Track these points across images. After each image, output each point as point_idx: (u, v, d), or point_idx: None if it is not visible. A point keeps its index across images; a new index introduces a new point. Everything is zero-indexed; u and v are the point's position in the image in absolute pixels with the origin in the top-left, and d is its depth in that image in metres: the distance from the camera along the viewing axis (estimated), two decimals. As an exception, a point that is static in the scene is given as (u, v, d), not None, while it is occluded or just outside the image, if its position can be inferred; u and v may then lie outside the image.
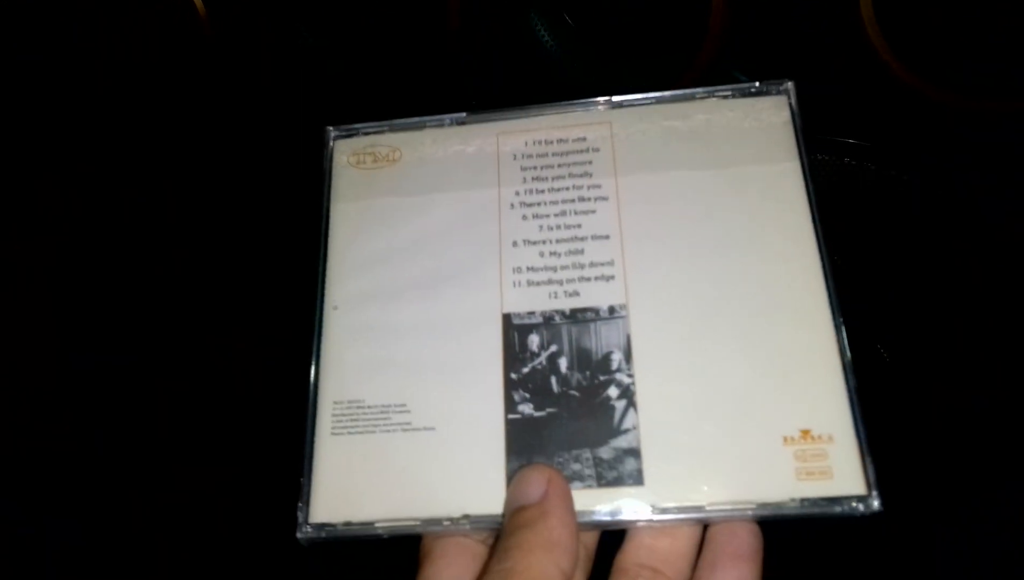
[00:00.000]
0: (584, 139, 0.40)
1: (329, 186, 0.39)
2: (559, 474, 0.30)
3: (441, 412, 0.33)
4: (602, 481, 0.32)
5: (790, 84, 0.39)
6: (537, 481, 0.29)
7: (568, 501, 0.29)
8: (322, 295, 0.38)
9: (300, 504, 0.34)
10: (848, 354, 0.34)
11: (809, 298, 0.35)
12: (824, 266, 0.35)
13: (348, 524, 0.34)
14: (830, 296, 0.35)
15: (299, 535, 0.34)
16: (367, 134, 0.41)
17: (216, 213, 0.79)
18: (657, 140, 0.39)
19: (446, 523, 0.33)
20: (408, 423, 0.35)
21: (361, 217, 0.38)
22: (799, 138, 0.38)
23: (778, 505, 0.30)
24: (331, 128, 0.41)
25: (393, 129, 0.41)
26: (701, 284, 0.35)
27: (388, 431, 0.34)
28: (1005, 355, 0.62)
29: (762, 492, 0.30)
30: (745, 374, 0.33)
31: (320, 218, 0.38)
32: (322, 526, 0.33)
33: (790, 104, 0.39)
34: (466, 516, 0.33)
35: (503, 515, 0.31)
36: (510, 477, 0.31)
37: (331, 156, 0.41)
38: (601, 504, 0.31)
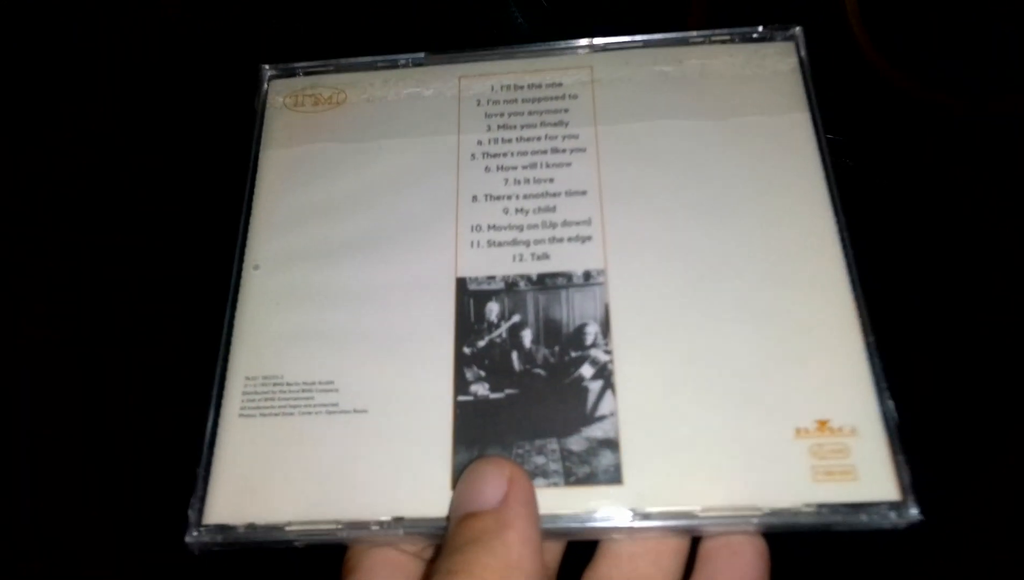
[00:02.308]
0: (560, 84, 0.34)
1: (260, 130, 0.33)
2: (522, 471, 0.24)
3: (376, 392, 0.27)
4: (571, 478, 0.26)
5: (798, 29, 0.34)
6: (494, 479, 0.23)
7: (532, 508, 0.23)
8: (242, 252, 0.32)
9: (193, 500, 0.27)
10: (871, 332, 0.28)
11: (823, 266, 0.29)
12: (841, 230, 0.30)
13: (252, 527, 0.27)
14: (848, 264, 0.29)
15: (188, 539, 0.27)
16: (309, 74, 0.35)
17: (133, 164, 0.70)
18: (645, 87, 0.34)
19: (374, 527, 0.26)
20: (335, 404, 0.28)
21: (295, 165, 0.32)
22: (809, 87, 0.32)
23: (790, 512, 0.25)
24: (266, 66, 0.36)
25: (339, 69, 0.35)
26: (694, 248, 0.29)
27: (309, 413, 0.27)
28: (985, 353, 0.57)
29: (770, 496, 0.25)
30: (748, 352, 0.27)
31: (247, 166, 0.32)
32: (219, 528, 0.27)
33: (798, 51, 0.33)
34: (399, 520, 0.26)
35: (447, 520, 0.24)
36: (458, 472, 0.25)
37: (265, 97, 0.35)
38: (569, 507, 0.25)
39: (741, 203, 0.31)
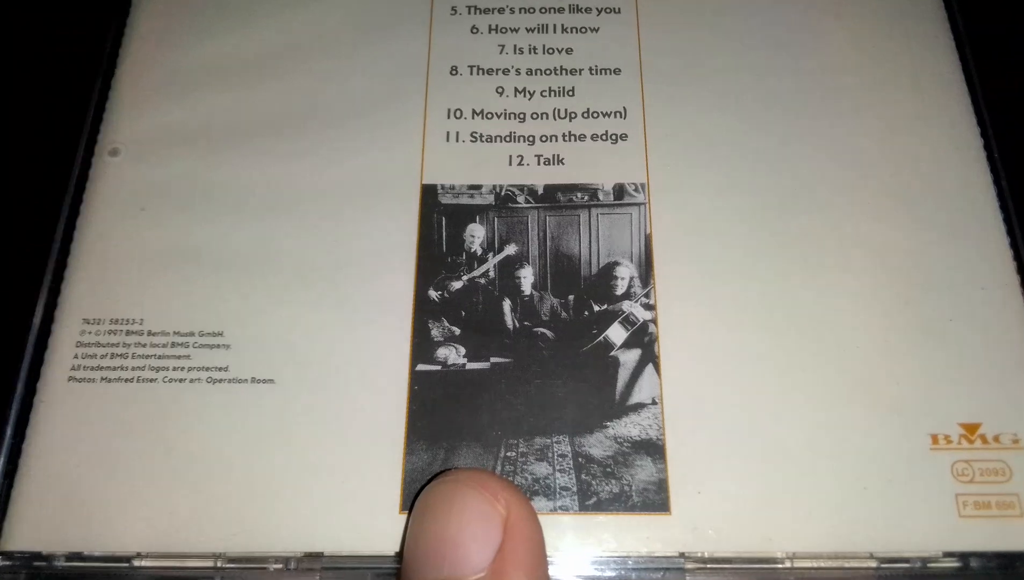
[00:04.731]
0: (585, -86, 0.23)
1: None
2: (523, 502, 0.14)
3: (287, 353, 0.17)
4: (590, 501, 0.16)
5: None
6: (479, 525, 0.14)
7: (541, 568, 0.13)
8: (93, 129, 0.21)
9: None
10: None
11: (971, 202, 0.20)
12: (990, 145, 0.20)
13: (79, 558, 0.17)
14: (1003, 199, 0.20)
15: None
16: None
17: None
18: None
19: (275, 568, 0.17)
20: (223, 369, 0.18)
21: (180, 8, 0.21)
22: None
23: (924, 562, 0.17)
24: None
25: None
26: (776, 155, 0.19)
27: (182, 381, 0.17)
28: None
29: (890, 538, 0.17)
30: (857, 318, 0.17)
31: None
32: (25, 560, 0.16)
33: None
34: (314, 556, 0.16)
35: (397, 573, 0.14)
36: (411, 487, 0.15)
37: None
38: (587, 545, 0.15)
39: (848, 95, 0.21)
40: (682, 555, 0.17)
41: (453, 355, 0.19)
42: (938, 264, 0.19)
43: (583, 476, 0.18)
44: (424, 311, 0.19)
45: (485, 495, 0.15)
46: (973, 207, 0.20)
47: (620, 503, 0.17)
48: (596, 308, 0.19)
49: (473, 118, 0.21)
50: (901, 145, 0.21)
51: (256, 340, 0.19)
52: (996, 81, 0.21)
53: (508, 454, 0.18)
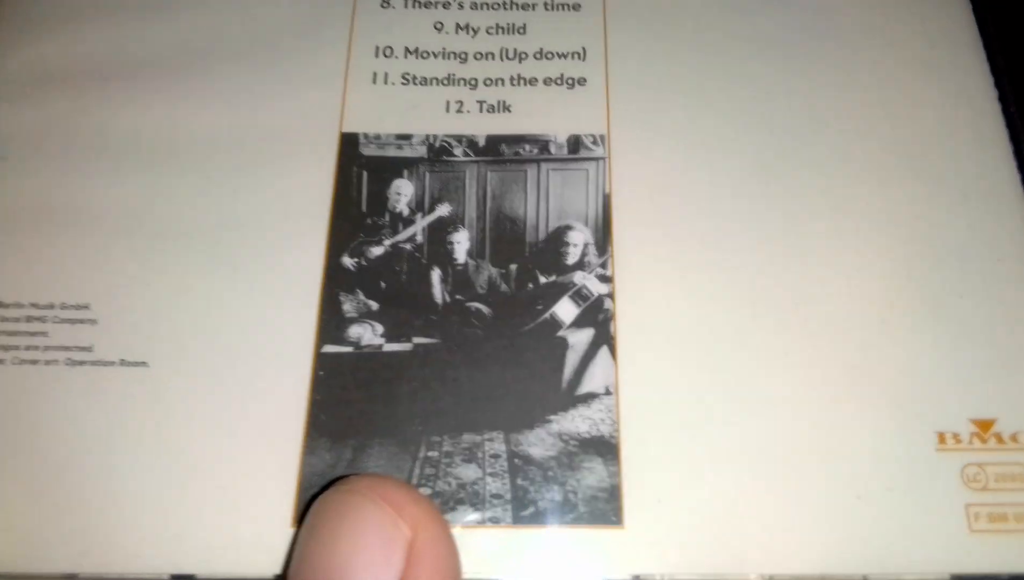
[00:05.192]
0: None
1: None
2: (435, 517, 0.11)
3: (164, 330, 0.14)
4: (526, 511, 0.13)
5: None
6: (375, 547, 0.12)
7: None
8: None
9: None
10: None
11: (985, 160, 0.17)
12: (1006, 96, 0.18)
13: None
14: (1022, 156, 0.17)
15: None
16: None
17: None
18: None
19: (138, 594, 0.13)
20: (87, 349, 0.15)
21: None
22: None
23: None
24: None
25: None
26: (766, 105, 0.16)
27: (37, 362, 0.14)
28: None
29: (892, 556, 0.15)
30: (853, 300, 0.15)
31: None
32: None
33: None
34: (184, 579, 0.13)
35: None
36: (309, 490, 0.12)
37: None
38: (523, 563, 0.12)
39: (846, 33, 0.18)
40: (637, 578, 0.14)
41: (368, 334, 0.16)
42: (947, 232, 0.16)
43: (519, 481, 0.15)
44: (335, 281, 0.16)
45: (386, 510, 0.12)
46: (987, 166, 0.17)
47: (563, 514, 0.14)
48: (542, 280, 0.16)
49: (406, 57, 0.18)
50: (904, 95, 0.18)
51: (128, 315, 0.16)
52: (1015, 19, 0.18)
53: (429, 454, 0.15)
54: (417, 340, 0.16)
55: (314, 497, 0.13)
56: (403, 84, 0.18)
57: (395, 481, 0.13)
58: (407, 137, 0.18)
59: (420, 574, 0.11)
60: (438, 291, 0.16)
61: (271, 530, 0.14)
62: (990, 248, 0.16)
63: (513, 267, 0.16)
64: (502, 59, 0.18)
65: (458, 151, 0.17)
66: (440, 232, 0.17)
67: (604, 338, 0.16)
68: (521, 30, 0.19)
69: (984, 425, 0.15)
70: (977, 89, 0.18)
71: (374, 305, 0.16)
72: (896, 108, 0.17)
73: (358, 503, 0.12)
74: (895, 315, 0.16)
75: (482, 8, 0.19)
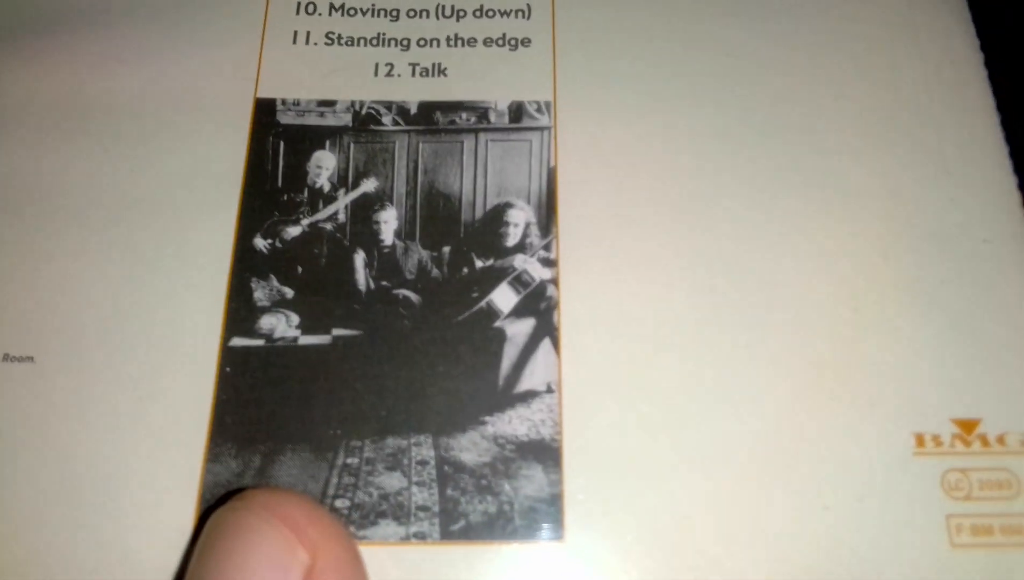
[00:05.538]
0: None
1: None
2: (340, 538, 0.11)
3: (54, 322, 0.12)
4: (455, 525, 0.11)
5: None
6: (271, 569, 0.10)
7: None
8: None
9: None
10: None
11: (970, 132, 0.15)
12: (993, 62, 0.16)
13: None
14: (1010, 128, 0.15)
15: None
16: None
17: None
18: None
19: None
20: (-44, 343, 0.13)
21: None
22: None
23: None
24: None
25: None
26: (729, 69, 0.15)
27: None
28: None
29: (864, 573, 0.13)
30: (823, 285, 0.13)
31: None
32: None
33: None
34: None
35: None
36: (212, 501, 0.11)
37: None
38: None
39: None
40: (579, 600, 0.12)
41: (282, 325, 0.14)
42: (928, 210, 0.15)
43: (449, 491, 0.13)
44: (246, 266, 0.14)
45: (282, 532, 0.10)
46: (972, 135, 0.15)
47: (498, 528, 0.13)
48: (479, 264, 0.14)
49: (330, 14, 0.16)
50: (880, 56, 0.16)
51: (11, 305, 0.14)
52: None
53: (348, 461, 0.13)
54: (337, 332, 0.14)
55: (211, 510, 0.12)
56: (327, 44, 0.16)
57: (296, 496, 0.12)
58: (330, 104, 0.16)
59: None
60: (361, 277, 0.14)
61: (167, 546, 0.12)
62: (975, 227, 0.15)
63: (446, 250, 0.15)
64: (438, 17, 0.16)
65: (387, 119, 0.16)
66: (365, 210, 0.15)
67: (546, 329, 0.14)
68: (459, -16, 0.17)
69: (967, 426, 0.14)
70: (960, 49, 0.16)
71: (289, 292, 0.14)
72: (871, 71, 0.16)
73: (251, 523, 0.11)
74: (868, 302, 0.14)
75: (417, -41, 0.17)
